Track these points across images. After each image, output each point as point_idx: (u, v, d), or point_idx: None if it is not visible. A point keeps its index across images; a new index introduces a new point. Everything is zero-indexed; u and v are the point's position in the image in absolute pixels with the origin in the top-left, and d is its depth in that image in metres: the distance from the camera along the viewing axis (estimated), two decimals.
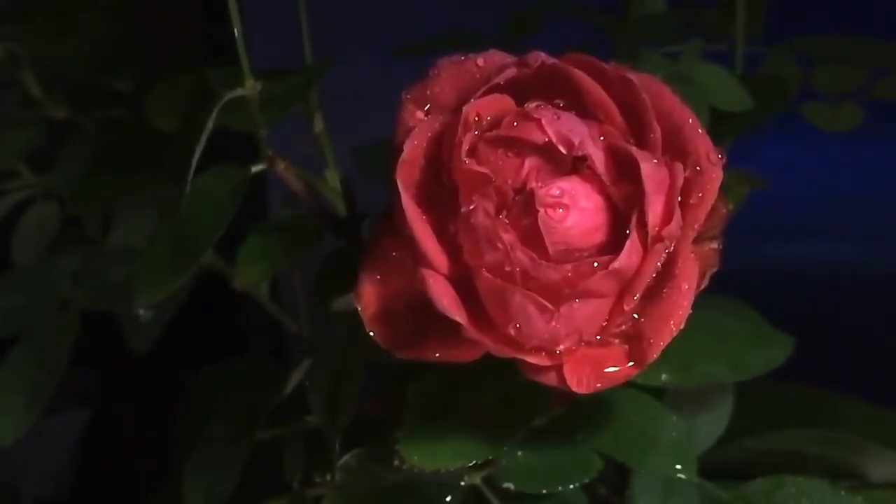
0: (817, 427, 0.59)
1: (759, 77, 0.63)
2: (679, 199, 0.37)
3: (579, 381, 0.37)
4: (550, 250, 0.36)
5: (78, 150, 0.64)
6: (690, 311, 0.38)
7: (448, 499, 0.48)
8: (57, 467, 0.95)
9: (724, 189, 0.38)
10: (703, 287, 0.39)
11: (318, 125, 0.55)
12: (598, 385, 0.37)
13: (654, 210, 0.36)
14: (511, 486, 0.48)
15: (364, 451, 0.50)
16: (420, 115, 0.40)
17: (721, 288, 0.41)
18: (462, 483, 0.48)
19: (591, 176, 0.37)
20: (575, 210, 0.37)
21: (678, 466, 0.47)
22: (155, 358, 0.61)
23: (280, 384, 0.55)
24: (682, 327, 0.37)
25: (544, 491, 0.47)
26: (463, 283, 0.37)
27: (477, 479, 0.48)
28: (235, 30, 0.46)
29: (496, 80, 0.38)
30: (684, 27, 0.64)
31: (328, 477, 0.51)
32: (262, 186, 0.75)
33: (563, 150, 0.37)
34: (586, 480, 0.47)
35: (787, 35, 0.66)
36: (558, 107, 0.38)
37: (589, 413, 0.48)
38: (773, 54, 0.66)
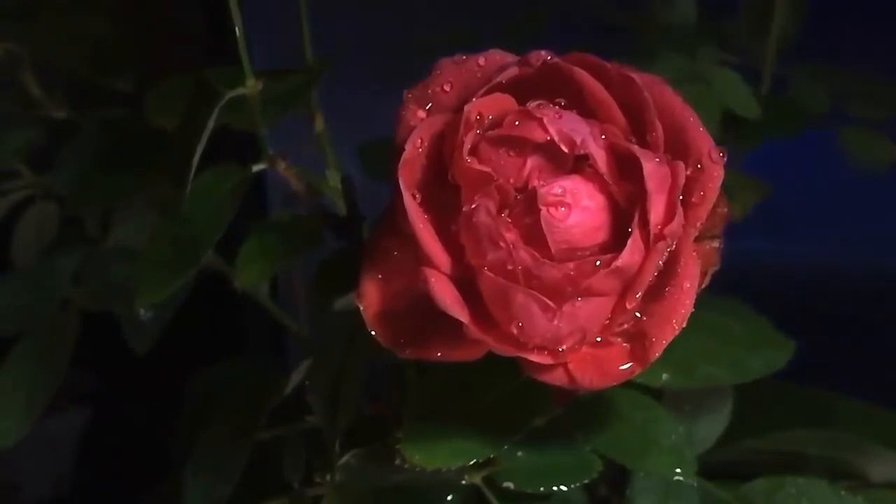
0: (817, 427, 0.60)
1: (781, 100, 0.63)
2: (681, 197, 0.37)
3: (582, 380, 0.37)
4: (553, 249, 0.36)
5: (78, 150, 0.64)
6: (693, 311, 0.38)
7: (449, 498, 0.48)
8: (57, 467, 0.95)
9: (731, 195, 0.38)
10: (704, 286, 0.39)
11: (319, 125, 0.55)
12: (601, 383, 0.37)
13: (656, 209, 0.36)
14: (511, 485, 0.48)
15: (364, 451, 0.50)
16: (421, 114, 0.40)
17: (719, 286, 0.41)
18: (462, 483, 0.48)
19: (593, 175, 0.37)
20: (577, 209, 0.37)
21: (677, 469, 0.47)
22: (155, 358, 0.61)
23: (280, 384, 0.55)
24: (684, 325, 0.37)
25: (543, 490, 0.47)
26: (465, 282, 0.37)
27: (477, 478, 0.48)
28: (237, 29, 0.46)
29: (498, 80, 0.38)
30: (709, 39, 0.64)
31: (328, 477, 0.51)
32: (262, 186, 0.75)
33: (565, 149, 0.37)
34: (586, 481, 0.47)
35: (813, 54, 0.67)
36: (560, 106, 0.38)
37: (589, 413, 0.49)
38: (802, 80, 0.66)
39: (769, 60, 0.64)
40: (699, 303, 0.38)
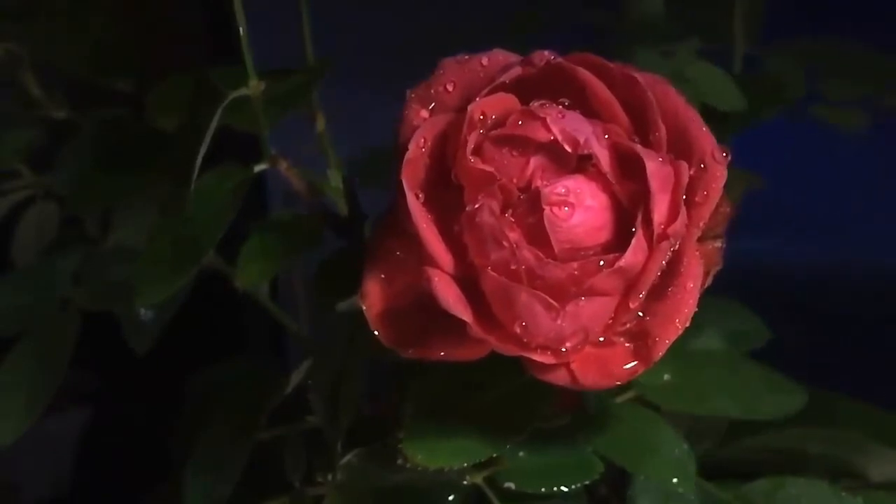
0: (817, 427, 0.59)
1: (756, 78, 0.63)
2: (684, 197, 0.37)
3: (584, 379, 0.37)
4: (556, 249, 0.36)
5: (78, 150, 0.64)
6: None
7: (450, 498, 0.48)
8: (57, 467, 0.95)
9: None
10: (707, 285, 0.39)
11: (320, 125, 0.55)
12: (604, 383, 0.37)
13: (660, 208, 0.36)
14: (512, 485, 0.48)
15: (365, 450, 0.50)
16: (424, 113, 0.40)
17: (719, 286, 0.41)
18: (464, 483, 0.48)
19: (596, 174, 0.37)
20: (580, 208, 0.37)
21: (675, 480, 0.47)
22: (155, 358, 0.61)
23: (280, 384, 0.55)
24: (687, 325, 0.37)
25: (544, 490, 0.47)
26: (468, 281, 0.37)
27: (478, 478, 0.48)
28: (241, 29, 0.46)
29: (501, 79, 0.38)
30: (682, 27, 0.64)
31: (329, 477, 0.51)
32: (263, 186, 0.75)
33: (569, 149, 0.37)
34: (587, 482, 0.47)
35: (785, 37, 0.66)
36: (563, 105, 0.38)
37: (591, 415, 0.49)
38: (776, 57, 0.66)
39: (739, 41, 0.64)
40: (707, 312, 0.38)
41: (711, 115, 0.56)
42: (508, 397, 0.44)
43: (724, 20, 0.64)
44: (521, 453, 0.48)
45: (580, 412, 0.48)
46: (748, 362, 0.54)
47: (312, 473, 0.52)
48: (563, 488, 0.47)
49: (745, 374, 0.53)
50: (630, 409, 0.49)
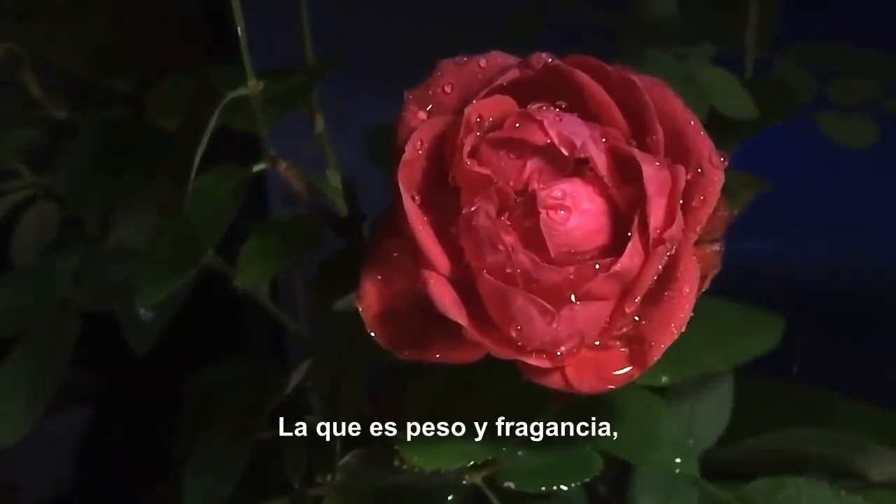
0: (817, 427, 0.59)
1: (766, 83, 0.63)
2: (681, 201, 0.37)
3: (580, 383, 0.37)
4: (552, 252, 0.36)
5: (78, 150, 0.64)
6: None
7: (449, 499, 0.48)
8: (57, 467, 0.95)
9: (728, 193, 0.38)
10: (704, 289, 0.39)
11: (319, 125, 0.55)
12: (599, 387, 0.37)
13: (656, 213, 0.36)
14: (512, 485, 0.48)
15: (365, 451, 0.50)
16: (422, 115, 0.40)
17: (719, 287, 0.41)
18: (463, 483, 0.48)
19: (592, 178, 0.37)
20: (577, 212, 0.37)
21: (678, 461, 0.47)
22: (155, 358, 0.61)
23: (280, 384, 0.55)
24: (683, 330, 0.37)
25: (544, 489, 0.47)
26: (464, 284, 0.37)
27: (478, 478, 0.48)
28: (238, 29, 0.46)
29: (499, 82, 0.38)
30: (694, 31, 0.64)
31: (329, 477, 0.51)
32: (263, 186, 0.75)
33: (565, 152, 0.37)
34: (587, 480, 0.47)
35: (799, 42, 0.66)
36: (561, 108, 0.38)
37: (589, 409, 0.48)
38: (784, 61, 0.65)
39: (751, 45, 0.64)
40: None
41: (721, 120, 0.56)
42: (507, 398, 0.43)
43: (736, 23, 0.64)
44: (519, 452, 0.48)
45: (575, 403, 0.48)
46: (723, 309, 0.53)
47: (312, 474, 0.52)
48: (562, 487, 0.47)
49: (722, 324, 0.52)
50: (628, 392, 0.48)
